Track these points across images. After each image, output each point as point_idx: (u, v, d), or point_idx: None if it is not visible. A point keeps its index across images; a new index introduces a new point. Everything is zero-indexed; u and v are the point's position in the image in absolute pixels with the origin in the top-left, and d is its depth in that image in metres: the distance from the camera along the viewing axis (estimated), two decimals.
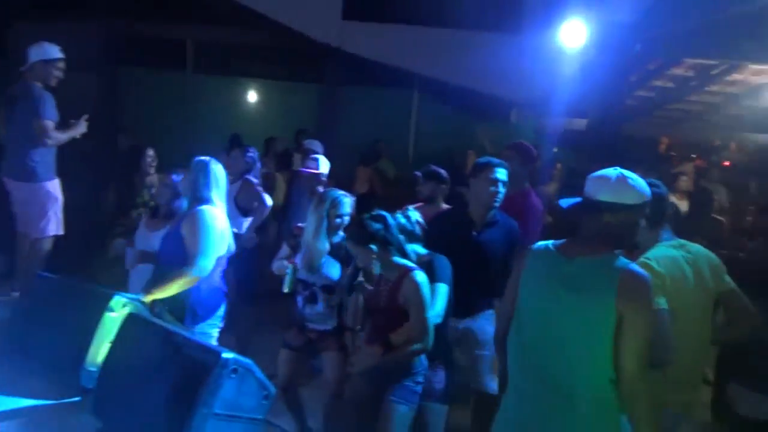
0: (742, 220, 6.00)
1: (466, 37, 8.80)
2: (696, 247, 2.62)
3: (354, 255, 3.04)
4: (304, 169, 4.68)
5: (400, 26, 9.20)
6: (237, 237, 4.43)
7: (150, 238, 3.70)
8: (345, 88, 9.63)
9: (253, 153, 4.89)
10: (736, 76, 9.64)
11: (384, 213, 3.00)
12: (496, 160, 3.40)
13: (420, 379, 2.91)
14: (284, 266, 3.46)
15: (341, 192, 3.54)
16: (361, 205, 4.68)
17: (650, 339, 2.01)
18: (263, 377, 2.20)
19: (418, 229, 3.17)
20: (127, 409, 2.20)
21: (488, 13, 8.94)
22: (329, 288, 3.40)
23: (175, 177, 3.73)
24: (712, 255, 2.60)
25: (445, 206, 4.23)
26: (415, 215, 3.22)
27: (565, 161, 7.56)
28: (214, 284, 3.23)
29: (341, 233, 3.44)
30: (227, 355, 2.05)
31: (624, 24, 7.10)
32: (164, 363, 2.21)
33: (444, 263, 3.14)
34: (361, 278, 3.25)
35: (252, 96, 10.24)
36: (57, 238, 4.54)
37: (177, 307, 3.11)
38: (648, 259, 2.48)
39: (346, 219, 3.47)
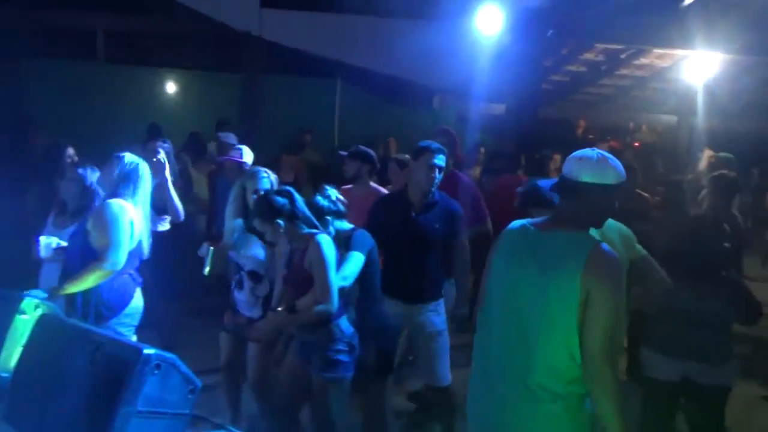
0: (652, 195, 6.37)
1: (386, 25, 8.86)
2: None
3: (263, 232, 3.03)
4: (228, 158, 4.56)
5: (320, 14, 9.16)
6: (157, 235, 4.32)
7: (58, 236, 3.51)
8: (266, 78, 9.49)
9: (167, 146, 4.68)
10: (642, 60, 10.16)
11: (289, 188, 3.03)
12: (435, 145, 3.43)
13: (341, 346, 2.92)
14: (205, 248, 3.44)
15: (263, 169, 3.51)
16: None
17: (618, 322, 1.96)
18: (188, 371, 2.15)
19: (341, 207, 3.22)
20: (43, 415, 2.10)
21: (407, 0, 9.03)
22: (255, 275, 3.38)
23: (81, 171, 3.53)
24: (622, 226, 2.73)
25: (373, 185, 4.29)
26: (335, 193, 3.26)
27: (487, 145, 7.77)
28: (121, 281, 3.12)
29: None
30: (149, 350, 1.99)
31: (536, 10, 7.33)
32: (82, 364, 2.13)
33: (364, 236, 3.20)
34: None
35: (169, 87, 9.92)
36: None
37: (78, 306, 2.99)
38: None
39: None
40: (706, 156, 7.46)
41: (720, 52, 8.02)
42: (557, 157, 7.36)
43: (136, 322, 3.23)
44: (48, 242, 3.40)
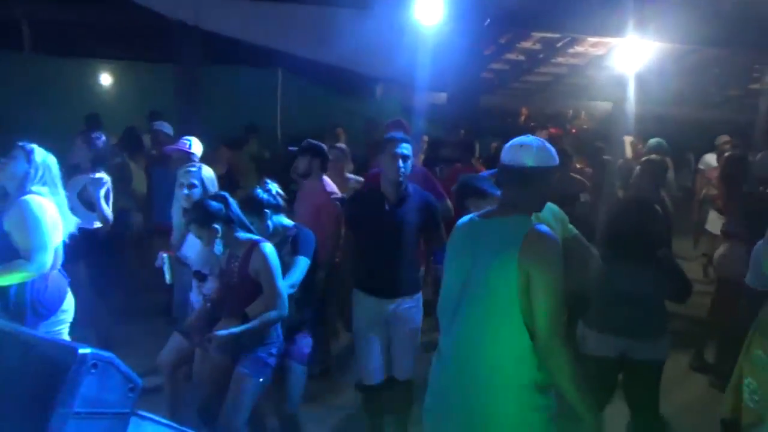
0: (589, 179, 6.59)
1: (327, 14, 8.76)
2: None
3: (199, 237, 3.00)
4: (176, 148, 4.40)
5: (259, 2, 8.97)
6: (90, 233, 4.16)
7: None
8: (204, 68, 9.25)
9: (99, 139, 4.47)
10: (578, 48, 10.43)
11: (223, 193, 3.03)
12: (399, 135, 3.41)
13: (273, 350, 2.96)
14: (161, 258, 3.38)
15: (196, 162, 3.49)
16: (221, 186, 4.56)
17: (561, 298, 2.03)
18: (127, 370, 2.09)
19: (280, 201, 3.22)
20: None
21: None
22: (199, 274, 3.33)
23: None
24: (554, 207, 2.83)
25: (326, 179, 4.25)
26: (275, 187, 3.24)
27: (429, 134, 7.82)
28: (53, 279, 3.00)
29: None
30: (84, 350, 1.92)
31: None
32: (14, 368, 2.04)
33: (308, 237, 3.22)
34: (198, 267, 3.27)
35: (101, 78, 9.55)
36: None
37: (10, 306, 2.86)
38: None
39: (195, 191, 3.39)
40: (628, 142, 7.72)
41: (651, 39, 8.32)
42: (494, 145, 7.52)
43: (71, 319, 3.11)
44: None
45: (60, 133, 5.71)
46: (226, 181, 4.83)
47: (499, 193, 3.12)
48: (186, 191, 3.38)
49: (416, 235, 3.43)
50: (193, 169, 3.45)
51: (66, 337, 3.03)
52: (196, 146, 4.36)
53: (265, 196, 3.15)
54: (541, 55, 10.86)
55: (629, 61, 8.89)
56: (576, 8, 7.62)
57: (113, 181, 4.39)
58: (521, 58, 11.10)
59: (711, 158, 7.54)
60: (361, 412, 3.63)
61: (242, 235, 2.95)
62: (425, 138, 7.48)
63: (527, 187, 2.13)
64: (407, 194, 3.38)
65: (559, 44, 10.21)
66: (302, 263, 3.14)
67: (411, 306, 3.41)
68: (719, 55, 10.37)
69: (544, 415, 2.09)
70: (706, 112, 12.99)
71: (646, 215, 3.14)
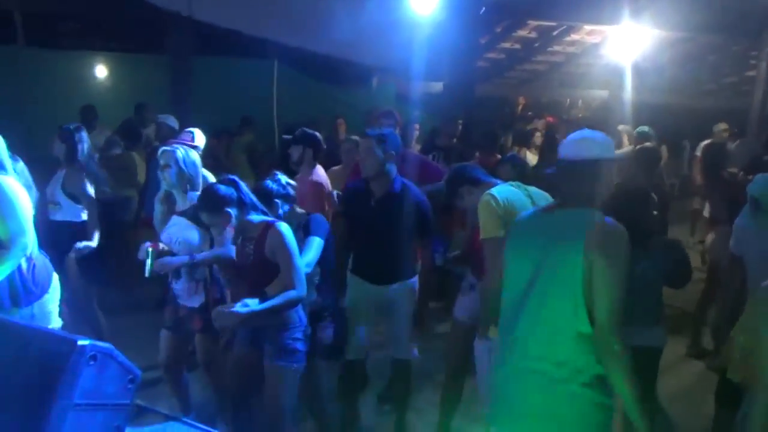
0: None
1: (322, 4, 8.71)
2: (533, 189, 2.93)
3: (210, 225, 2.92)
4: (179, 141, 4.35)
5: None
6: (78, 225, 4.13)
7: None
8: (198, 60, 9.19)
9: (78, 134, 4.30)
10: (574, 37, 10.41)
11: (232, 177, 2.93)
12: (374, 132, 3.40)
13: (298, 335, 2.87)
14: (144, 250, 3.23)
15: (179, 146, 3.44)
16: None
17: (623, 292, 2.01)
18: (126, 361, 2.09)
19: (290, 191, 3.19)
20: None
21: None
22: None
23: None
24: (547, 194, 2.87)
25: (318, 170, 4.23)
26: (284, 178, 3.23)
27: (425, 123, 7.80)
28: (37, 258, 2.91)
29: (195, 194, 3.29)
30: (83, 341, 1.93)
31: None
32: (13, 360, 2.04)
33: (320, 220, 3.26)
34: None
35: (95, 70, 9.45)
36: None
37: (3, 293, 2.82)
38: (491, 193, 2.78)
39: (170, 172, 3.35)
40: (623, 131, 7.73)
41: (647, 27, 8.30)
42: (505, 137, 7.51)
43: (60, 296, 3.04)
44: None
45: (53, 125, 5.66)
46: (216, 171, 4.82)
47: (493, 180, 3.16)
48: (159, 172, 3.38)
49: (404, 231, 3.40)
50: (169, 149, 3.40)
51: (57, 315, 3.00)
52: (200, 138, 4.32)
53: (274, 186, 3.12)
54: (537, 44, 10.84)
55: (625, 49, 8.87)
56: None
57: (113, 171, 4.35)
58: (517, 46, 11.07)
59: None
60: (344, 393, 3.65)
61: (255, 217, 2.87)
62: (416, 126, 7.46)
63: (592, 179, 2.13)
64: (393, 192, 3.35)
65: (555, 32, 10.20)
66: (315, 242, 3.14)
67: (405, 290, 3.45)
68: (715, 43, 10.37)
69: (608, 415, 2.07)
70: (702, 100, 12.99)
71: (640, 203, 3.15)
